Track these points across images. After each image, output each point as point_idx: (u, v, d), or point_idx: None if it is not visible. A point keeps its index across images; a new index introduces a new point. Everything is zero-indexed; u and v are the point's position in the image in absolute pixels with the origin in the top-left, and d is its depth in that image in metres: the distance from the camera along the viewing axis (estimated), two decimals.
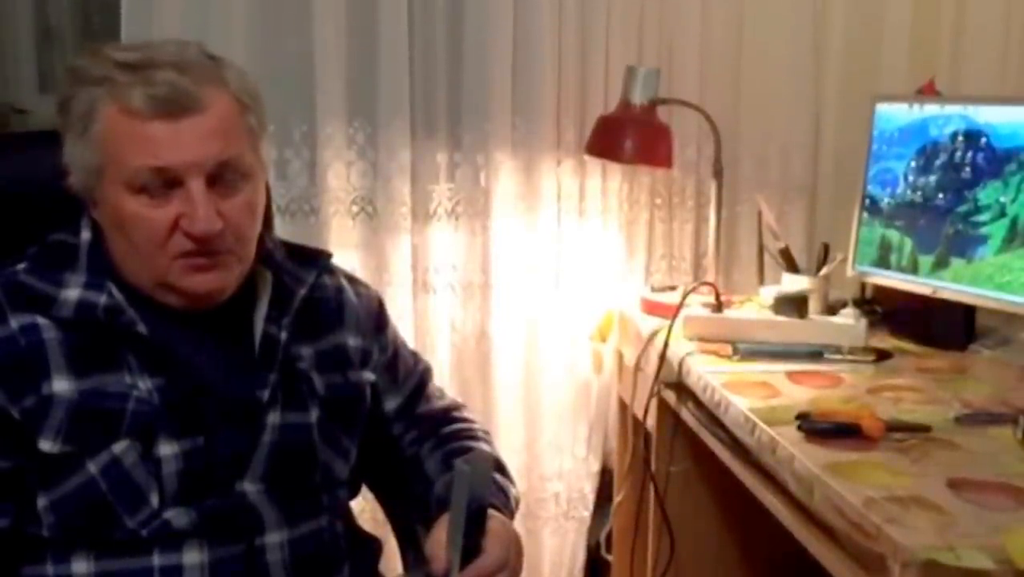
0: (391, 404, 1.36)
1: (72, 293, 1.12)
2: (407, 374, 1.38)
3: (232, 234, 1.13)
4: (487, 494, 1.15)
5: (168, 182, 1.09)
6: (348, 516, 1.32)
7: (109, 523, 1.10)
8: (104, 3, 2.06)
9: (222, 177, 1.12)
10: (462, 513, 1.08)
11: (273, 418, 1.17)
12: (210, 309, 1.17)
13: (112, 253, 1.16)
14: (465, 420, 1.39)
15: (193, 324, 1.17)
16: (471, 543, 1.10)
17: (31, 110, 2.39)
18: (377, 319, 1.35)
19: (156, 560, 1.11)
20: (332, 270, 1.33)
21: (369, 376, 1.30)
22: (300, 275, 1.26)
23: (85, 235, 1.17)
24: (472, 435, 1.36)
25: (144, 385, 1.11)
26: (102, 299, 1.13)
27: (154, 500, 1.10)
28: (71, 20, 2.50)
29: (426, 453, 1.35)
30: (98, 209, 1.14)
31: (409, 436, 1.37)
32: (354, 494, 1.36)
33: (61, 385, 1.09)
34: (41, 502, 1.10)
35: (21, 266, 1.16)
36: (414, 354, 1.43)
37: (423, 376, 1.41)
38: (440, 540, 1.11)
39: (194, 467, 1.12)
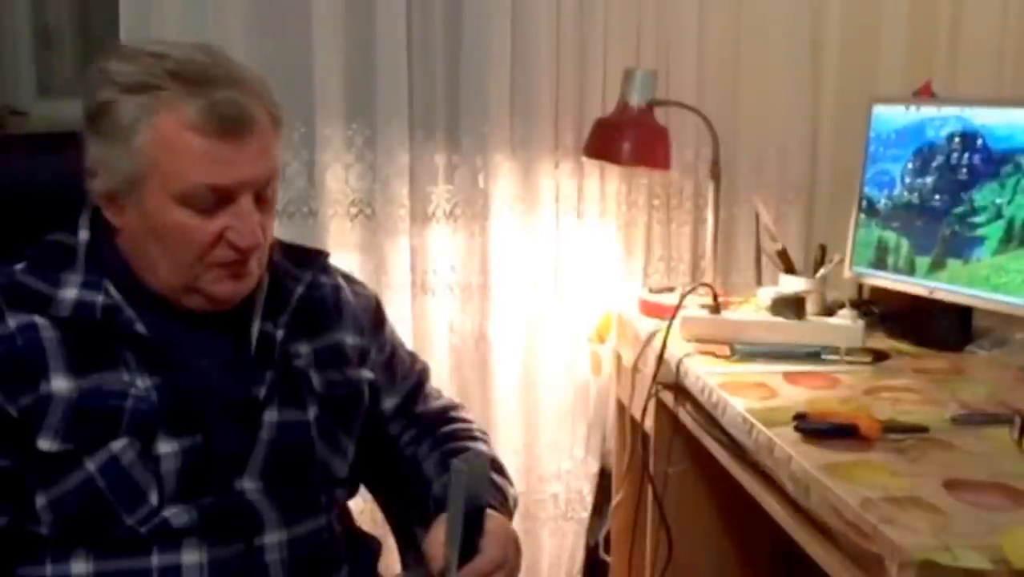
0: (389, 403, 1.36)
1: (70, 293, 1.13)
2: (405, 373, 1.38)
3: (265, 245, 1.15)
4: (484, 494, 1.15)
5: (221, 198, 1.10)
6: (347, 516, 1.32)
7: (108, 521, 1.10)
8: (104, 3, 2.06)
9: (264, 192, 1.14)
10: (459, 512, 1.08)
11: (271, 416, 1.18)
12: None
13: (131, 256, 1.15)
14: (463, 420, 1.39)
15: (191, 323, 1.17)
16: (469, 543, 1.10)
17: (29, 112, 2.38)
18: (375, 318, 1.35)
19: (155, 560, 1.11)
20: (329, 269, 1.33)
21: (367, 374, 1.31)
22: (297, 274, 1.26)
23: (83, 235, 1.17)
24: (470, 435, 1.36)
25: (142, 383, 1.12)
26: (99, 298, 1.13)
27: (153, 498, 1.11)
28: (70, 21, 2.49)
29: (424, 453, 1.35)
30: (123, 214, 1.13)
31: (407, 436, 1.37)
32: (352, 493, 1.36)
33: (59, 384, 1.09)
34: (40, 501, 1.10)
35: (19, 266, 1.16)
36: (412, 354, 1.43)
37: (421, 376, 1.41)
38: (438, 540, 1.11)
39: (193, 465, 1.12)
